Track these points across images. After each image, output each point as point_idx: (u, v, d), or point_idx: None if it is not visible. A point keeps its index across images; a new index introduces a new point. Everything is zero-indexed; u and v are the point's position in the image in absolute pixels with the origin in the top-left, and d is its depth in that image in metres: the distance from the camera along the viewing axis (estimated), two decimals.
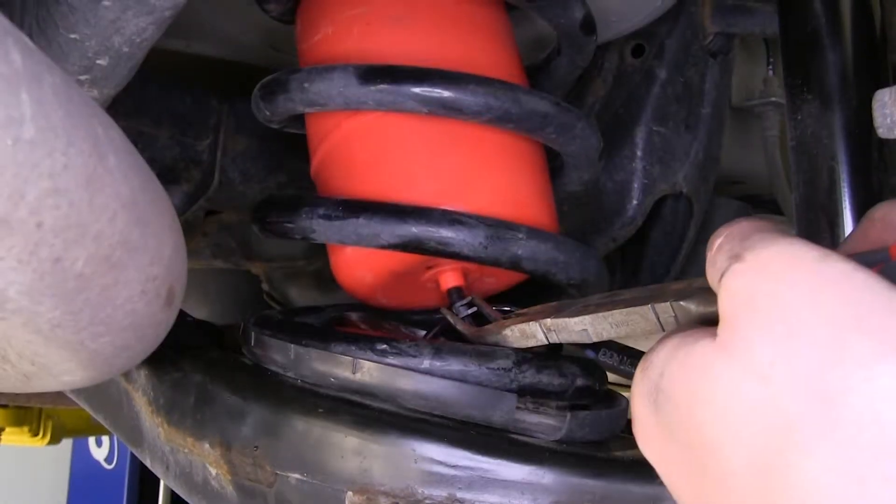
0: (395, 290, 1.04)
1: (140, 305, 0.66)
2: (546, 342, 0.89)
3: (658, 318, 0.74)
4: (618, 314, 0.78)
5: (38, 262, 0.55)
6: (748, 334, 0.54)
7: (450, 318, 1.00)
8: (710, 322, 0.67)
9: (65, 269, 0.57)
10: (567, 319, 0.84)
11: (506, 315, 0.98)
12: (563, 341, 0.87)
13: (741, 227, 0.59)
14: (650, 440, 0.64)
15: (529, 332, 0.90)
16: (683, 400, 0.59)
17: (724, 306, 0.56)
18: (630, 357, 1.06)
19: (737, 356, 0.55)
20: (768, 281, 0.54)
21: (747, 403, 0.54)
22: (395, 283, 1.02)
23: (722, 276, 0.57)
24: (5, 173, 0.49)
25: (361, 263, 1.00)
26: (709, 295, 0.68)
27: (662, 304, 0.73)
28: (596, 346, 0.90)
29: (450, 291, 1.01)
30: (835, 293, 0.51)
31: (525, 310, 0.96)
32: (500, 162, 1.00)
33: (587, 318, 0.82)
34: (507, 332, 0.93)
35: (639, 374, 0.65)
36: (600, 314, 0.80)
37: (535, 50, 1.22)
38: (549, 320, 0.87)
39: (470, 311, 1.00)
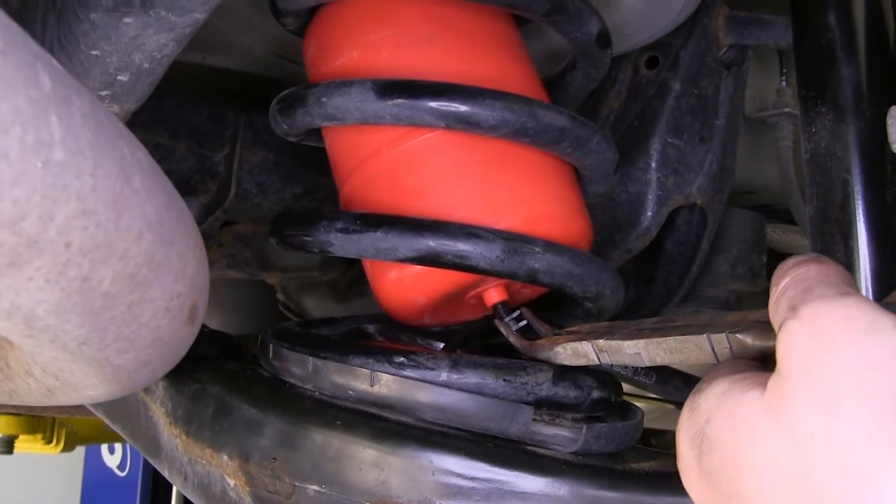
0: (442, 310, 1.04)
1: (164, 322, 0.67)
2: (598, 362, 0.89)
3: (713, 349, 0.74)
4: (672, 341, 0.79)
5: (66, 281, 0.55)
6: (794, 400, 0.56)
7: (503, 331, 1.01)
8: (765, 357, 0.69)
9: (92, 288, 0.57)
10: (620, 342, 0.85)
11: (555, 331, 0.98)
12: (614, 363, 0.88)
13: (808, 272, 0.62)
14: (692, 480, 0.66)
15: (581, 352, 0.91)
16: (727, 452, 0.61)
17: (779, 361, 0.58)
18: (643, 368, 1.07)
19: (781, 420, 0.57)
20: (820, 350, 0.56)
21: (785, 470, 0.56)
22: (444, 303, 1.02)
23: (780, 327, 0.59)
24: (35, 195, 0.50)
25: (414, 287, 1.00)
26: (765, 329, 0.69)
27: (718, 336, 0.73)
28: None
29: (496, 307, 1.02)
30: (881, 371, 0.53)
31: (576, 328, 0.96)
32: (527, 176, 1.00)
33: (641, 343, 0.82)
34: (559, 349, 0.93)
35: (686, 414, 0.67)
36: (654, 339, 0.81)
37: (549, 63, 1.23)
38: (601, 341, 0.88)
39: (520, 325, 1.00)
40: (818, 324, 0.57)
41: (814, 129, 1.11)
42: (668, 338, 0.79)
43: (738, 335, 0.72)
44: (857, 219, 1.06)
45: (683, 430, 0.67)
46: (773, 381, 0.59)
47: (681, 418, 0.68)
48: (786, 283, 0.62)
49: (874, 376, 0.53)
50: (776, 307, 0.62)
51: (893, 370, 0.53)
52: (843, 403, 0.54)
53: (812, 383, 0.55)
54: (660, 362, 0.82)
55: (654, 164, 1.33)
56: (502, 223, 0.96)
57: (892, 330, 0.54)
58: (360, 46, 1.02)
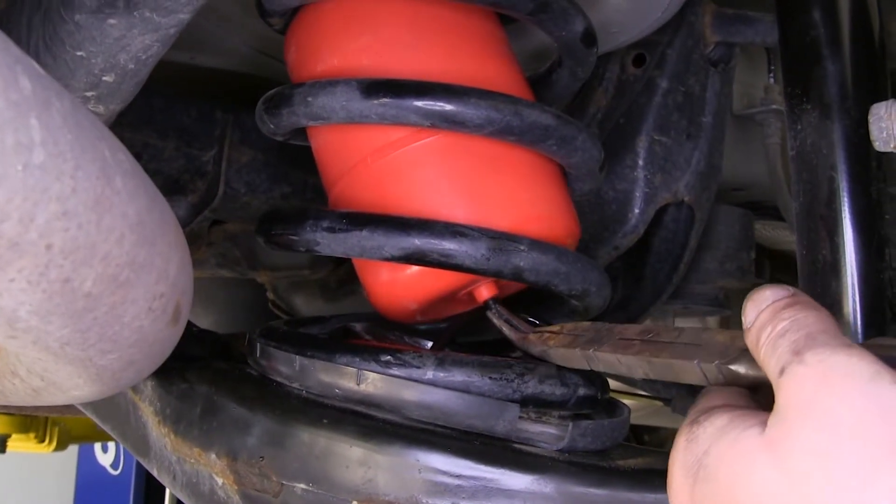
0: (433, 309, 1.05)
1: (147, 323, 0.67)
2: (587, 368, 0.91)
3: (705, 375, 0.76)
4: (663, 363, 0.80)
5: (47, 282, 0.56)
6: (794, 440, 0.59)
7: (497, 323, 1.02)
8: (756, 386, 0.72)
9: (74, 289, 0.58)
10: (612, 356, 0.86)
11: (535, 328, 1.00)
12: (602, 370, 0.90)
13: (807, 318, 0.64)
14: None
15: (571, 357, 0.92)
16: (723, 482, 0.63)
17: (781, 401, 0.61)
18: None
19: (779, 457, 0.59)
20: (824, 395, 0.58)
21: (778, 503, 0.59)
22: (436, 303, 1.03)
23: (783, 369, 0.61)
24: (15, 198, 0.50)
25: (406, 291, 1.01)
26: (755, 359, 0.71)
27: (709, 365, 0.75)
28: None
29: (487, 303, 1.03)
30: (880, 421, 0.56)
31: (559, 327, 0.97)
32: (514, 178, 1.01)
33: (633, 359, 0.83)
34: (552, 352, 0.95)
35: (682, 443, 0.69)
36: (646, 358, 0.82)
37: (535, 62, 1.23)
38: (591, 352, 0.88)
39: (513, 318, 1.02)
40: (823, 371, 0.59)
41: (800, 127, 1.11)
42: (659, 359, 0.80)
43: (731, 367, 0.73)
44: (843, 215, 1.07)
45: (679, 458, 0.69)
46: (774, 419, 0.61)
47: (675, 447, 0.70)
48: (785, 326, 0.64)
49: (874, 425, 0.56)
50: (773, 347, 0.64)
51: (891, 422, 0.55)
52: (841, 447, 0.56)
53: (813, 425, 0.58)
54: (653, 377, 0.83)
55: (641, 162, 1.34)
56: (490, 226, 0.97)
57: (892, 384, 0.57)
58: (340, 55, 1.02)
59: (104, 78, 0.89)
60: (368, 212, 0.98)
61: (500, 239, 0.95)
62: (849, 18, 1.11)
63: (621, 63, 1.40)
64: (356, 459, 0.91)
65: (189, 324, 1.09)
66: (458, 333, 1.11)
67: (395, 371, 0.93)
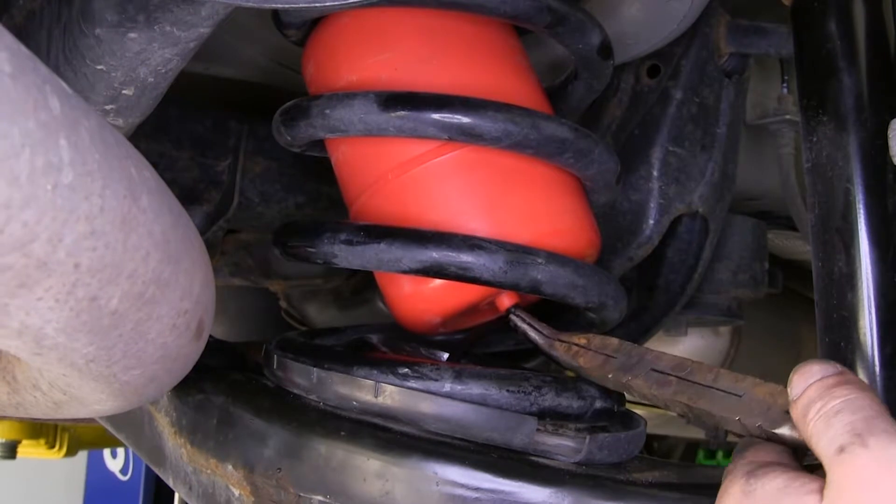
0: (455, 320, 1.05)
1: (170, 339, 0.67)
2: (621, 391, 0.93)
3: (748, 431, 0.78)
4: (704, 411, 0.82)
5: (74, 301, 0.56)
6: None
7: (522, 329, 1.03)
8: (796, 446, 0.74)
9: (100, 307, 0.58)
10: (646, 390, 0.88)
11: (559, 336, 1.01)
12: (637, 398, 0.92)
13: (861, 399, 0.68)
14: None
15: (604, 383, 0.94)
16: None
17: (837, 477, 0.64)
18: None
19: None
20: (881, 477, 0.62)
21: None
22: (459, 315, 1.03)
23: (842, 448, 0.65)
24: (44, 218, 0.50)
25: (432, 303, 1.02)
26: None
27: (753, 426, 0.77)
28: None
29: (509, 310, 1.03)
30: None
31: (586, 339, 0.98)
32: (533, 194, 1.01)
33: (670, 399, 0.86)
34: (583, 372, 0.96)
35: (737, 494, 0.71)
36: (684, 402, 0.84)
37: (551, 73, 1.23)
38: (626, 382, 0.90)
39: (536, 324, 1.03)
40: (886, 458, 0.63)
41: (815, 139, 1.11)
42: (698, 406, 0.82)
43: (775, 431, 0.75)
44: (859, 228, 1.06)
45: None
46: (831, 494, 0.64)
47: (728, 493, 0.72)
48: (837, 406, 0.67)
49: None
50: (826, 424, 0.67)
51: None
52: None
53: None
54: (691, 416, 0.85)
55: (655, 173, 1.33)
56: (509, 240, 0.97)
57: None
58: (357, 68, 1.03)
59: (124, 91, 0.89)
60: (386, 224, 0.99)
61: (518, 252, 0.95)
62: (864, 30, 1.11)
63: (636, 74, 1.39)
64: (373, 472, 0.91)
65: None
66: (472, 344, 1.11)
67: (412, 384, 0.93)
